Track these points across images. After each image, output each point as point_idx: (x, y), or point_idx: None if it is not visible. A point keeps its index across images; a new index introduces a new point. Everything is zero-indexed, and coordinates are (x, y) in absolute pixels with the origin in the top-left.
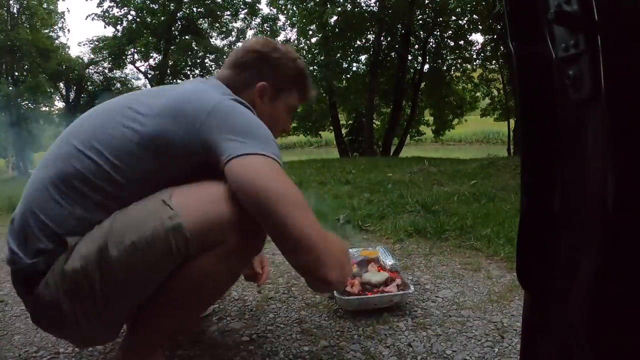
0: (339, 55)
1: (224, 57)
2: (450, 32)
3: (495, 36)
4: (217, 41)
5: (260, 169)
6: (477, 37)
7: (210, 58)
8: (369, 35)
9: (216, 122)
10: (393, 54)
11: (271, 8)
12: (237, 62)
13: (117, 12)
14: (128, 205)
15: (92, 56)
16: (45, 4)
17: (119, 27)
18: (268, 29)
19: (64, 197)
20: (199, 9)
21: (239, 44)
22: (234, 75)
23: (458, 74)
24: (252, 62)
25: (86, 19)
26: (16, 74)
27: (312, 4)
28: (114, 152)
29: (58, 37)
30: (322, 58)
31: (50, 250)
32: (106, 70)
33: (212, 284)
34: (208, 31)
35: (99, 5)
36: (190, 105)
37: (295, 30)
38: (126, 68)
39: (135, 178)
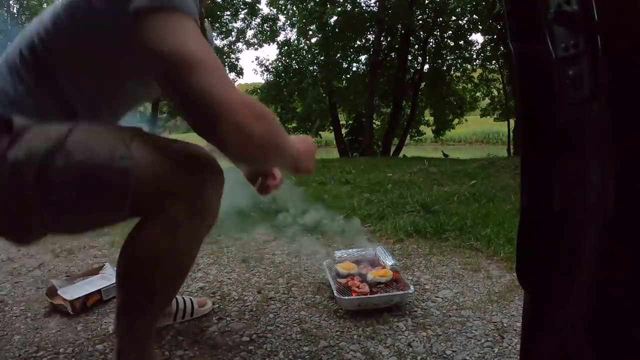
0: (339, 55)
1: (224, 57)
2: (450, 32)
3: (495, 36)
4: (217, 41)
5: (170, 31)
6: (477, 37)
7: None
8: (369, 35)
9: None
10: (393, 54)
11: (271, 8)
12: None
13: None
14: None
15: None
16: (45, 4)
17: None
18: (268, 29)
19: (28, 74)
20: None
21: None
22: None
23: (458, 74)
24: None
25: None
26: None
27: (312, 4)
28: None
29: None
30: (322, 58)
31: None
32: None
33: (157, 263)
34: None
35: None
36: None
37: (295, 30)
38: None
39: (64, 49)
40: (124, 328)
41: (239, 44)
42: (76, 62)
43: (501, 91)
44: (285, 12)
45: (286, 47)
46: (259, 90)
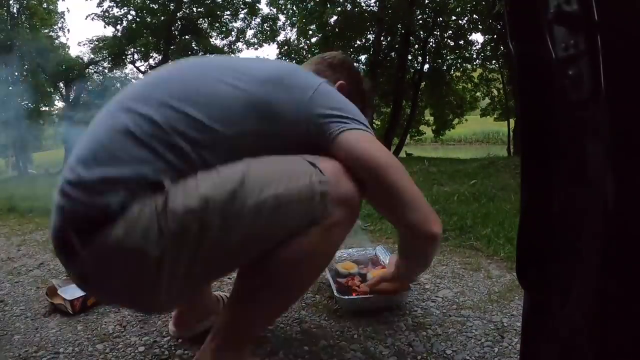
0: None
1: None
2: (450, 32)
3: (495, 36)
4: (217, 41)
5: (371, 142)
6: (477, 37)
7: None
8: (369, 35)
9: (324, 99)
10: (393, 54)
11: (271, 8)
12: (322, 62)
13: (117, 12)
14: (218, 160)
15: (92, 56)
16: (45, 4)
17: (118, 27)
18: (268, 29)
19: (153, 141)
20: (199, 9)
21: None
22: (319, 70)
23: (458, 73)
24: (337, 66)
25: (86, 18)
26: (16, 74)
27: (312, 4)
28: (213, 105)
29: (58, 37)
30: None
31: (129, 191)
32: (106, 70)
33: (315, 260)
34: (208, 31)
35: (99, 5)
36: (300, 80)
37: (295, 30)
38: (126, 68)
39: (231, 135)
40: (233, 330)
41: (239, 44)
42: (245, 149)
43: (501, 91)
44: (285, 12)
45: (286, 47)
46: None
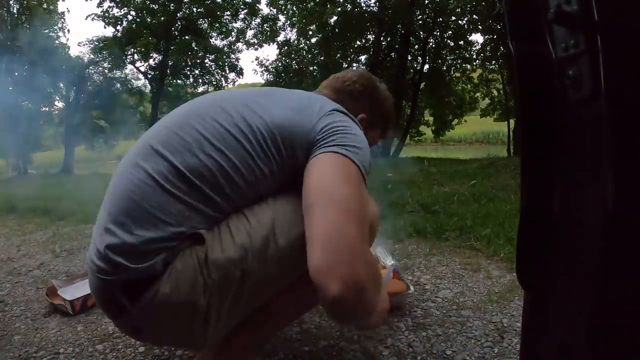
0: (339, 55)
1: (224, 57)
2: (450, 32)
3: (495, 36)
4: (217, 41)
5: (330, 168)
6: (477, 37)
7: (210, 58)
8: (369, 35)
9: (327, 122)
10: (393, 54)
11: (271, 8)
12: (343, 89)
13: (117, 12)
14: (243, 199)
15: (92, 56)
16: (45, 4)
17: (119, 27)
18: (268, 29)
19: (184, 193)
20: (199, 9)
21: (342, 73)
22: (338, 100)
23: (458, 74)
24: (357, 94)
25: (86, 19)
26: (16, 74)
27: (312, 4)
28: (233, 152)
29: (58, 37)
30: (322, 58)
31: (171, 249)
32: (106, 70)
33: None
34: (208, 31)
35: (99, 5)
36: (310, 108)
37: (295, 30)
38: (126, 68)
39: (254, 180)
40: (246, 337)
41: (239, 44)
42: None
43: (501, 91)
44: (285, 12)
45: (286, 47)
46: None
